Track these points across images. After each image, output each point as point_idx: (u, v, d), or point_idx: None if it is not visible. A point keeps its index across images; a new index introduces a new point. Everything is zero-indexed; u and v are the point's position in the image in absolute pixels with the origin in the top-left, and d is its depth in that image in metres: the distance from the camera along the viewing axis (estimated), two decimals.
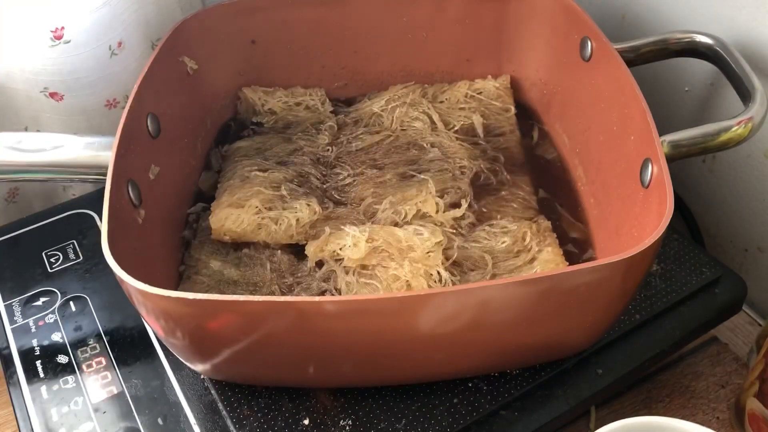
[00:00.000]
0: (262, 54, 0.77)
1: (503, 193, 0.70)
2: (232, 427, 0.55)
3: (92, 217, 0.71)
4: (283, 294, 0.61)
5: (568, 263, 0.63)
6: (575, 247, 0.65)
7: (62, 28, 0.67)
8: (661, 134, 0.56)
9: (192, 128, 0.73)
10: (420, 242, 0.62)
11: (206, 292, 0.61)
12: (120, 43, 0.71)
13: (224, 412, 0.56)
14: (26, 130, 0.73)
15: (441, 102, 0.78)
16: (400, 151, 0.73)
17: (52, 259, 0.68)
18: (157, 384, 0.58)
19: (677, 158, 0.58)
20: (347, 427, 0.55)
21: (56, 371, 0.59)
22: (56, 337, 0.62)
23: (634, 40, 0.68)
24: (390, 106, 0.77)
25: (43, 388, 0.58)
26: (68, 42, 0.67)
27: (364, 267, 0.62)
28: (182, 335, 0.51)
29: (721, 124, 0.58)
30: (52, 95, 0.70)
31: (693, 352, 0.68)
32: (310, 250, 0.63)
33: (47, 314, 0.63)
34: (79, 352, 0.61)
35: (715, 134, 0.58)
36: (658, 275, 0.64)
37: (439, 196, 0.67)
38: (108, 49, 0.70)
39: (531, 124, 0.77)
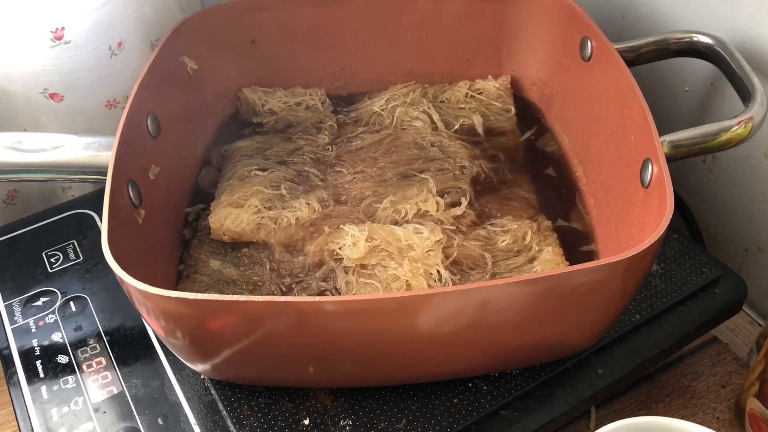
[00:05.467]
0: (262, 54, 0.77)
1: (504, 191, 0.70)
2: (232, 427, 0.55)
3: (92, 217, 0.71)
4: (282, 293, 0.61)
5: (568, 262, 0.63)
6: (577, 240, 0.66)
7: (62, 28, 0.67)
8: (661, 134, 0.56)
9: (192, 128, 0.73)
10: (420, 241, 0.62)
11: (205, 291, 0.61)
12: (120, 44, 0.71)
13: (224, 412, 0.56)
14: (25, 131, 0.73)
15: (441, 102, 0.78)
16: (400, 151, 0.73)
17: (52, 259, 0.68)
18: (158, 384, 0.58)
19: (677, 158, 0.58)
20: (347, 427, 0.55)
21: (56, 371, 0.59)
22: (56, 337, 0.62)
23: (634, 40, 0.68)
24: (390, 106, 0.77)
25: (43, 388, 0.58)
26: (68, 42, 0.67)
27: (363, 266, 0.62)
28: (182, 335, 0.51)
29: (721, 124, 0.58)
30: (52, 96, 0.70)
31: (693, 352, 0.68)
32: (310, 249, 0.63)
33: (47, 314, 0.63)
34: (79, 352, 0.61)
35: (715, 134, 0.58)
36: (658, 275, 0.64)
37: (439, 196, 0.67)
38: (108, 50, 0.70)
39: (531, 123, 0.77)
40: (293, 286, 0.62)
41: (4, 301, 0.65)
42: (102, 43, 0.70)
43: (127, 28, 0.72)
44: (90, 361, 0.60)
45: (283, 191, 0.68)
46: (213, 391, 0.58)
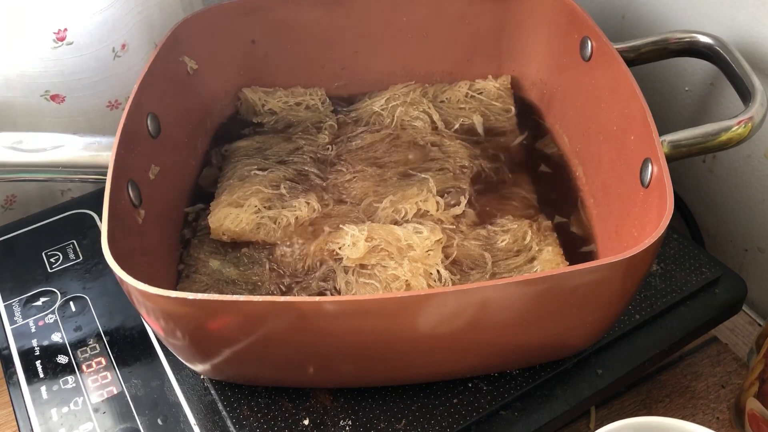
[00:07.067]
0: (262, 54, 0.77)
1: (504, 191, 0.70)
2: (232, 427, 0.55)
3: (92, 217, 0.71)
4: (282, 293, 0.61)
5: (568, 262, 0.63)
6: (577, 241, 0.66)
7: (65, 29, 0.67)
8: (661, 134, 0.56)
9: (192, 128, 0.73)
10: (419, 241, 0.62)
11: (205, 291, 0.61)
12: (124, 45, 0.71)
13: (224, 412, 0.56)
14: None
15: (441, 102, 0.78)
16: (400, 150, 0.73)
17: (52, 259, 0.68)
18: (157, 384, 0.58)
19: (677, 158, 0.58)
20: (347, 427, 0.55)
21: (56, 371, 0.59)
22: (56, 337, 0.62)
23: (634, 40, 0.68)
24: (390, 106, 0.77)
25: (43, 389, 0.58)
26: (71, 44, 0.67)
27: (363, 266, 0.62)
28: (182, 335, 0.51)
29: (721, 124, 0.58)
30: (53, 98, 0.70)
31: (693, 352, 0.68)
32: (310, 249, 0.63)
33: (47, 314, 0.63)
34: (79, 352, 0.61)
35: (715, 134, 0.57)
36: (658, 275, 0.64)
37: (439, 195, 0.67)
38: (111, 51, 0.70)
39: (531, 123, 0.77)
40: (293, 286, 0.62)
41: (3, 301, 0.65)
42: (105, 44, 0.70)
43: (131, 30, 0.72)
44: (90, 362, 0.60)
45: (283, 191, 0.68)
46: (213, 392, 0.58)
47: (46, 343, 0.61)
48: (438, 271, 0.61)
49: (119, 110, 0.74)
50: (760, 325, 0.72)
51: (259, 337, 0.49)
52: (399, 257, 0.61)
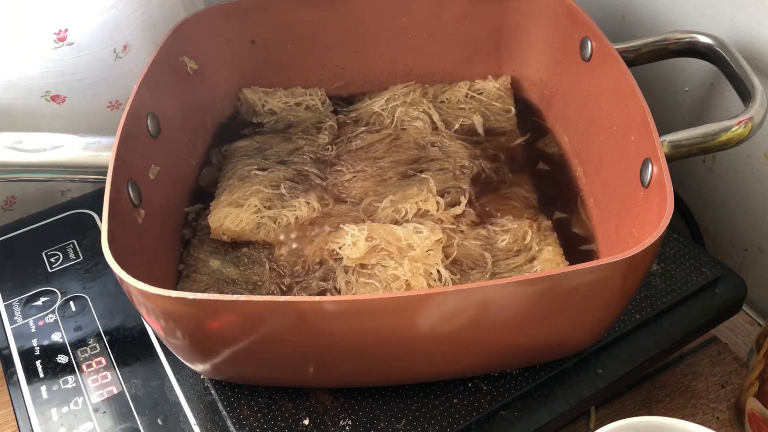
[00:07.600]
0: (262, 54, 0.77)
1: (504, 191, 0.70)
2: (232, 427, 0.55)
3: (92, 217, 0.71)
4: (282, 293, 0.61)
5: (568, 262, 0.63)
6: (577, 240, 0.66)
7: (66, 30, 0.67)
8: (661, 134, 0.56)
9: (192, 128, 0.73)
10: (419, 240, 0.62)
11: (205, 291, 0.61)
12: (125, 46, 0.71)
13: (224, 412, 0.56)
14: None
15: (441, 102, 0.78)
16: (400, 150, 0.73)
17: (52, 259, 0.68)
18: (157, 384, 0.58)
19: (677, 158, 0.58)
20: (347, 427, 0.55)
21: (56, 371, 0.59)
22: (56, 337, 0.62)
23: (634, 40, 0.68)
24: (390, 106, 0.77)
25: (43, 388, 0.58)
26: (72, 44, 0.67)
27: (363, 266, 0.62)
28: (182, 335, 0.51)
29: (721, 124, 0.58)
30: (54, 98, 0.70)
31: (693, 352, 0.68)
32: (310, 248, 0.63)
33: (47, 314, 0.63)
34: (79, 352, 0.61)
35: (715, 134, 0.58)
36: (658, 275, 0.64)
37: (439, 195, 0.67)
38: (112, 52, 0.70)
39: (532, 123, 0.77)
40: (293, 285, 0.62)
41: (4, 301, 0.65)
42: (107, 45, 0.70)
43: (133, 31, 0.72)
44: (90, 361, 0.60)
45: (283, 190, 0.68)
46: (213, 391, 0.58)
47: (46, 342, 0.62)
48: (438, 271, 0.61)
49: (120, 110, 0.74)
50: (760, 324, 0.72)
51: (259, 336, 0.49)
52: (399, 257, 0.61)
